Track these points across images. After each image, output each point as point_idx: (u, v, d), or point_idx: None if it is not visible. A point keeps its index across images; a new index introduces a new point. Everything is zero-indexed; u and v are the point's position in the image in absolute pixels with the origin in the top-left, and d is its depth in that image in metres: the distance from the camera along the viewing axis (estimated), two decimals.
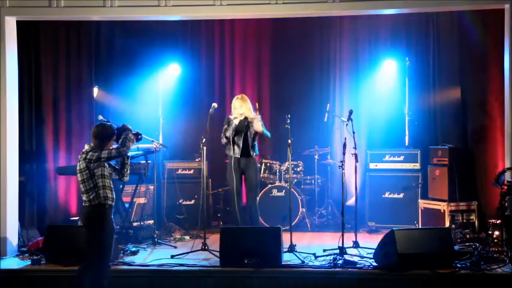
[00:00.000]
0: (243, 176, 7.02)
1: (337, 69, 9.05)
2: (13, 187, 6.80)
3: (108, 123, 5.16)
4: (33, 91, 7.88)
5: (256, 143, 7.02)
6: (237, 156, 6.86)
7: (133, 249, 6.65)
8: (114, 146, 5.08)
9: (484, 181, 7.42)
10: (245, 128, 6.88)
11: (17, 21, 6.91)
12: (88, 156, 4.91)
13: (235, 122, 6.92)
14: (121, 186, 7.47)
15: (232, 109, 7.04)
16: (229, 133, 6.90)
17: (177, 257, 6.31)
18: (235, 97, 7.11)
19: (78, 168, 4.97)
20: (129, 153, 7.32)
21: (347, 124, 6.76)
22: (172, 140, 8.69)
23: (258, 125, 6.90)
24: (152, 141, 7.23)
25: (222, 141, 7.03)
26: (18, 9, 6.79)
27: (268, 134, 7.05)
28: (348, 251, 6.33)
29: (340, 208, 6.82)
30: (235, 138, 6.88)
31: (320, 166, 8.49)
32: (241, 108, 6.93)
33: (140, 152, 7.47)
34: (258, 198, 7.34)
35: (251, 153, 6.94)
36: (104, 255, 4.94)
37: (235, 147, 6.86)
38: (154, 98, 8.71)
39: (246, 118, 6.93)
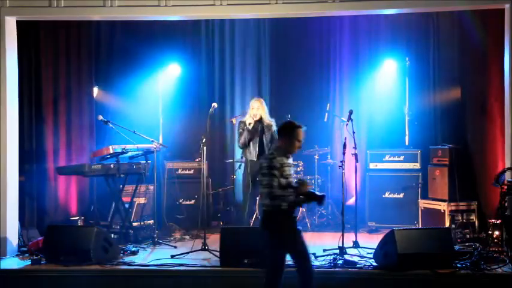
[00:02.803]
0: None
1: (337, 69, 9.05)
2: (13, 187, 6.80)
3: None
4: (33, 91, 7.86)
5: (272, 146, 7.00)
6: (253, 159, 6.88)
7: (134, 249, 6.65)
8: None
9: (484, 181, 7.41)
10: (259, 132, 6.89)
11: (17, 21, 6.91)
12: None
13: (249, 126, 6.91)
14: (121, 186, 7.48)
15: (249, 109, 7.06)
16: (244, 137, 6.91)
17: (177, 257, 6.31)
18: (255, 98, 7.19)
19: None
20: (129, 154, 7.43)
21: (347, 124, 6.75)
22: (172, 140, 8.69)
23: None
24: (152, 141, 7.23)
25: (238, 145, 7.07)
26: (18, 9, 6.79)
27: None
28: (348, 251, 6.32)
29: (340, 208, 6.81)
30: (251, 142, 6.90)
31: (320, 166, 8.48)
32: (259, 110, 6.97)
33: (140, 152, 7.47)
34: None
35: None
36: (270, 262, 4.69)
37: (252, 149, 6.89)
38: (154, 98, 8.71)
39: (260, 120, 6.92)
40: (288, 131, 4.79)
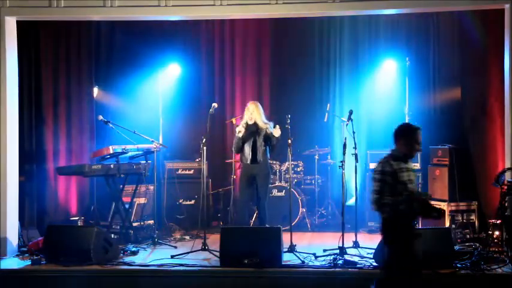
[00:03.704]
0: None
1: (337, 69, 9.04)
2: (13, 187, 6.80)
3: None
4: (33, 91, 7.86)
5: (267, 149, 6.93)
6: (247, 162, 6.86)
7: (134, 249, 6.66)
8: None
9: (484, 181, 7.41)
10: (254, 134, 6.86)
11: (17, 21, 6.91)
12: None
13: (239, 134, 6.87)
14: (121, 186, 7.48)
15: (245, 112, 7.00)
16: (236, 143, 6.88)
17: (177, 257, 6.32)
18: (250, 102, 7.10)
19: None
20: (129, 154, 7.43)
21: (347, 124, 6.76)
22: (172, 140, 8.69)
23: (277, 131, 6.83)
24: (152, 141, 7.23)
25: (233, 149, 7.03)
26: (18, 9, 6.79)
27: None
28: (348, 251, 6.33)
29: (340, 208, 6.82)
30: (245, 145, 6.87)
31: (320, 166, 8.49)
32: (253, 113, 6.89)
33: (140, 152, 7.47)
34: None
35: (260, 159, 6.84)
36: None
37: (246, 154, 6.85)
38: (154, 98, 8.70)
39: (255, 124, 6.90)
40: (407, 134, 4.55)
